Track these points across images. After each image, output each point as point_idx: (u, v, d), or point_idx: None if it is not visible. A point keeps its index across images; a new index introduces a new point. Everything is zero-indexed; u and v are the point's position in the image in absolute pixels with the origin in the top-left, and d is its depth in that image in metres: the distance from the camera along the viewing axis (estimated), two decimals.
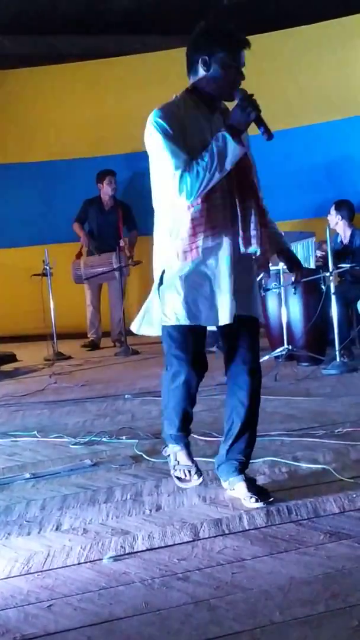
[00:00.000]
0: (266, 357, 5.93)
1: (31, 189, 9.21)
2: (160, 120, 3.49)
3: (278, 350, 6.16)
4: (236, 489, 3.64)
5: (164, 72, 8.85)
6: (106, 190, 8.49)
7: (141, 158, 9.62)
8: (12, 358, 7.70)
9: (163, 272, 3.66)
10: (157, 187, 3.59)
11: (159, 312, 3.70)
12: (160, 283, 3.65)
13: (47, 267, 7.73)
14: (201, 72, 3.47)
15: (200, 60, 3.45)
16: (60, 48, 10.12)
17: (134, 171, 9.02)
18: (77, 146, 9.18)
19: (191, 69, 3.51)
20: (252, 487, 3.56)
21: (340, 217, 7.20)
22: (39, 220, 8.99)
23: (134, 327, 3.85)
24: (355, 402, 5.22)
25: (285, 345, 6.13)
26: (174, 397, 3.78)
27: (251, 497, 3.52)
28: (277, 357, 6.14)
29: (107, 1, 10.27)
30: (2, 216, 9.27)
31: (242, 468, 3.70)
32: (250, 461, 3.70)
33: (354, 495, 3.38)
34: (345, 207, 7.20)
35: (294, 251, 4.47)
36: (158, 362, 7.48)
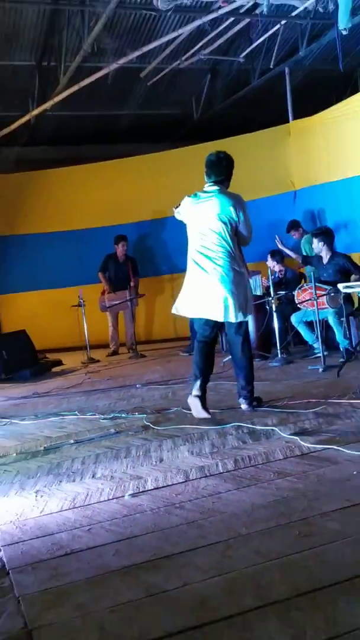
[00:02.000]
0: (229, 357, 5.55)
1: (70, 248, 9.52)
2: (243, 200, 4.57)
3: (225, 358, 6.09)
4: (242, 406, 4.56)
5: (155, 168, 9.41)
6: (120, 250, 8.80)
7: (145, 225, 10.53)
8: (59, 362, 7.98)
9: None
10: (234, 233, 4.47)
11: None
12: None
13: (81, 301, 8.01)
14: (227, 177, 4.57)
15: (230, 172, 4.57)
16: (85, 153, 10.49)
17: (140, 233, 9.40)
18: (100, 219, 9.57)
19: (226, 172, 4.55)
20: (250, 404, 4.54)
21: (275, 262, 7.47)
22: (76, 269, 9.29)
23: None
24: (292, 384, 5.30)
25: (233, 357, 5.24)
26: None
27: (246, 406, 4.53)
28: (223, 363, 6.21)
29: (115, 122, 10.74)
30: (52, 268, 9.55)
31: (245, 395, 4.57)
32: (222, 426, 4.06)
33: (293, 447, 3.48)
34: (277, 254, 7.46)
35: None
36: (158, 362, 7.61)
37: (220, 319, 4.44)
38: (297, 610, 1.86)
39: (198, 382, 4.42)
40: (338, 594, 1.92)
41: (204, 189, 4.57)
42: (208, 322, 4.53)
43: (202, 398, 4.37)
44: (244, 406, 4.54)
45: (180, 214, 4.74)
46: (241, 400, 4.57)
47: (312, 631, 1.75)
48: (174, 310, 4.71)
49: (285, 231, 8.27)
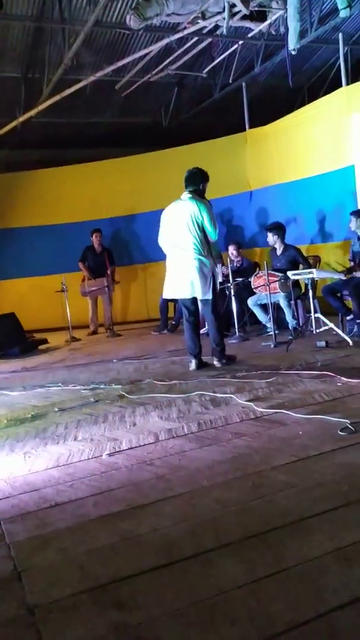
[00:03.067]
0: (206, 328, 5.85)
1: (54, 240, 9.35)
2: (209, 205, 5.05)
3: (203, 329, 6.06)
4: (215, 362, 5.05)
5: (129, 170, 9.36)
6: (95, 241, 8.72)
7: (119, 221, 10.43)
8: (45, 341, 7.84)
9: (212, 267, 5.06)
10: (201, 230, 4.96)
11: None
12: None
13: (64, 287, 7.92)
14: (201, 187, 5.08)
15: (203, 183, 5.10)
16: (67, 156, 10.28)
17: (115, 227, 9.32)
18: (80, 214, 9.39)
19: (199, 183, 5.07)
20: (220, 361, 5.05)
21: (232, 252, 7.55)
22: (59, 259, 9.09)
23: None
24: (247, 358, 5.35)
25: (207, 326, 5.85)
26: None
27: (217, 362, 5.04)
28: (204, 334, 5.98)
29: (93, 128, 10.57)
30: (38, 257, 9.38)
31: (216, 354, 5.10)
32: (187, 394, 4.12)
33: (248, 411, 3.53)
34: (235, 244, 7.57)
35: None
36: (133, 340, 7.63)
37: (189, 296, 5.04)
38: (250, 549, 1.90)
39: (193, 359, 5.00)
40: (285, 535, 1.97)
41: (181, 197, 5.09)
42: (186, 304, 5.11)
43: (200, 362, 5.02)
44: (216, 362, 5.06)
45: (161, 235, 5.17)
46: (213, 357, 5.09)
47: (262, 566, 1.79)
48: (164, 295, 5.36)
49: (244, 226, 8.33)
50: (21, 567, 1.95)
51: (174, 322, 7.75)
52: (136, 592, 1.74)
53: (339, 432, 2.91)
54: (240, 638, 1.49)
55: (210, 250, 5.07)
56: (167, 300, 7.69)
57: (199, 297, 5.01)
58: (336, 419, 3.10)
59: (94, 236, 8.68)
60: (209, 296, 5.01)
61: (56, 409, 4.08)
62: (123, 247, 9.38)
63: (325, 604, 1.58)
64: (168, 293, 5.23)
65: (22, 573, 1.91)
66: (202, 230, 4.96)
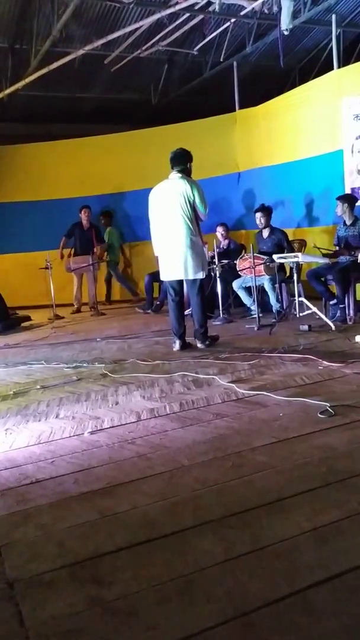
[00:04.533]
0: (190, 309, 5.70)
1: (39, 216, 9.19)
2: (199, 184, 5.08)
3: (187, 310, 5.94)
4: (197, 344, 5.08)
5: (116, 147, 9.21)
6: (84, 217, 8.61)
7: (106, 198, 10.28)
8: (28, 318, 7.72)
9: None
10: (192, 209, 4.98)
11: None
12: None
13: (49, 264, 7.84)
14: (188, 166, 5.09)
15: (190, 163, 5.10)
16: (53, 131, 10.22)
17: (102, 205, 9.18)
18: (65, 191, 9.23)
19: (186, 163, 5.07)
20: (203, 343, 5.08)
21: (221, 233, 7.54)
22: (44, 236, 8.93)
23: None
24: (230, 340, 5.36)
25: (191, 307, 5.67)
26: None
27: (200, 344, 5.06)
28: (188, 315, 5.89)
29: (81, 103, 10.43)
30: (22, 234, 9.20)
31: (198, 336, 5.12)
32: (170, 374, 4.11)
33: (230, 393, 3.54)
34: (223, 226, 7.56)
35: None
36: (116, 319, 7.64)
37: (182, 277, 5.07)
38: (228, 528, 1.92)
39: (177, 339, 5.04)
40: (263, 514, 1.99)
41: (169, 177, 5.06)
42: (172, 284, 5.13)
43: (184, 343, 5.06)
44: (199, 344, 5.09)
45: (151, 211, 5.14)
46: (196, 339, 5.11)
47: (240, 545, 1.82)
48: (162, 278, 5.37)
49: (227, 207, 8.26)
50: (1, 542, 1.95)
51: (158, 302, 7.73)
52: (114, 568, 1.76)
53: (319, 415, 2.94)
54: (217, 614, 1.51)
55: (199, 230, 5.09)
56: (152, 280, 7.70)
57: (191, 276, 5.02)
58: (316, 402, 3.13)
59: (82, 212, 8.59)
60: (201, 275, 5.05)
61: (38, 387, 4.07)
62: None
63: (300, 581, 1.61)
64: (165, 275, 5.20)
65: (2, 548, 1.92)
66: (194, 209, 4.97)
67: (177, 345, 5.05)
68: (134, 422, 3.12)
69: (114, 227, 9.07)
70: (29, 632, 1.51)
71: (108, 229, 9.00)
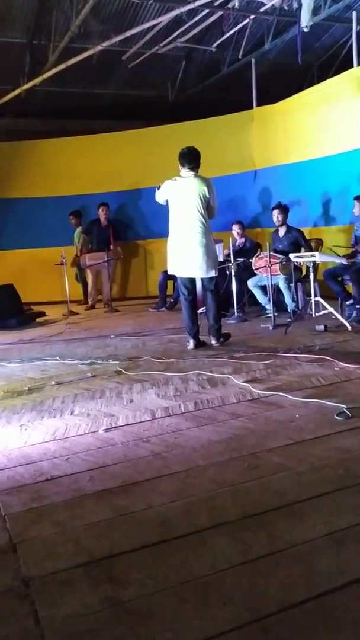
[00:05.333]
0: (204, 308, 5.64)
1: (55, 212, 9.15)
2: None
3: (201, 309, 5.87)
4: (212, 341, 5.09)
5: (133, 143, 9.19)
6: (101, 214, 8.65)
7: (122, 195, 10.24)
8: (43, 314, 7.79)
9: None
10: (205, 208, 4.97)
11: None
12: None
13: (64, 260, 7.81)
14: (198, 165, 5.01)
15: (199, 161, 5.01)
16: (69, 126, 10.11)
17: (118, 202, 9.18)
18: (82, 187, 9.20)
19: (197, 161, 5.01)
20: (218, 340, 5.09)
21: (237, 231, 7.46)
22: (59, 232, 8.95)
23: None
24: (245, 339, 5.33)
25: (206, 305, 5.52)
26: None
27: (215, 342, 5.08)
28: (201, 313, 5.83)
29: (98, 99, 10.42)
30: (38, 229, 9.18)
31: (213, 332, 5.12)
32: (184, 373, 4.08)
33: (245, 392, 3.52)
34: (239, 224, 7.49)
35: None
36: (130, 317, 7.59)
37: (200, 276, 5.09)
38: (244, 530, 1.91)
39: (191, 338, 5.01)
40: (279, 516, 1.98)
41: (181, 175, 5.03)
42: (185, 283, 5.11)
43: (198, 342, 5.03)
44: (213, 341, 5.10)
45: (160, 194, 5.12)
46: (211, 336, 5.11)
47: (257, 547, 1.81)
48: (169, 271, 5.34)
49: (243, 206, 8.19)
50: (16, 539, 1.96)
51: (172, 300, 7.69)
52: (130, 568, 1.75)
53: (336, 417, 2.92)
54: (233, 617, 1.50)
55: (210, 228, 5.11)
56: (166, 278, 7.67)
57: (205, 275, 5.04)
58: (333, 404, 3.11)
59: (100, 210, 8.62)
60: (214, 273, 5.07)
61: (53, 383, 4.07)
62: (125, 222, 9.28)
63: (317, 586, 1.59)
64: (173, 270, 5.19)
65: (17, 545, 1.92)
66: (206, 208, 4.98)
67: (191, 344, 5.04)
68: (148, 420, 3.11)
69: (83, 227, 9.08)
70: (45, 631, 1.51)
71: (77, 229, 9.00)
